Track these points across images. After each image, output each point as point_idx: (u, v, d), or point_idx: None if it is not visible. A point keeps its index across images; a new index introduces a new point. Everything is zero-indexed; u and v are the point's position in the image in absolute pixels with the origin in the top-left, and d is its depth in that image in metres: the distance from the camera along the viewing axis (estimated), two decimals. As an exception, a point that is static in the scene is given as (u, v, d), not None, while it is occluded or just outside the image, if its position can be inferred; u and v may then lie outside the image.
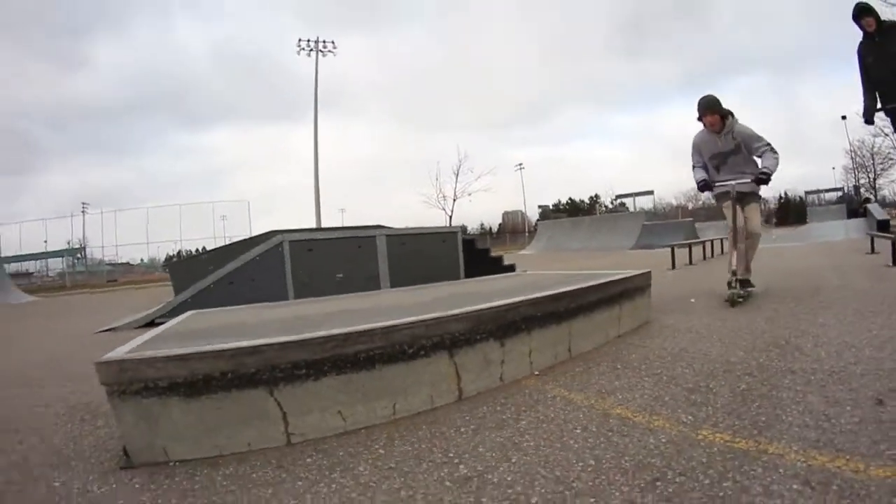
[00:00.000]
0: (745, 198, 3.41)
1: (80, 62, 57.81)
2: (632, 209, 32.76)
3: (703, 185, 3.44)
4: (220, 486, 1.17)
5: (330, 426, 1.43)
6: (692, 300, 3.48)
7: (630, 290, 2.61)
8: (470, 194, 32.16)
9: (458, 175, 32.07)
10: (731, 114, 3.35)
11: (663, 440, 1.23)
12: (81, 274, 28.96)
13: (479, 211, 38.16)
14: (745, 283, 3.41)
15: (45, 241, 29.58)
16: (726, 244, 4.77)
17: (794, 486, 0.96)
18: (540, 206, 48.31)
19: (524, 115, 67.35)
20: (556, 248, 19.08)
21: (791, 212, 35.59)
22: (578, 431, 1.35)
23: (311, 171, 25.62)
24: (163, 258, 31.72)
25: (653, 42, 77.89)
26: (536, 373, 1.90)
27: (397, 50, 62.46)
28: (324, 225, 20.35)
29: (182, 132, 67.15)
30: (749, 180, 3.30)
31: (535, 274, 4.16)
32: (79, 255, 30.36)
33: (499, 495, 1.04)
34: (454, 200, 32.12)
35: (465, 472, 1.16)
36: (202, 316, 2.48)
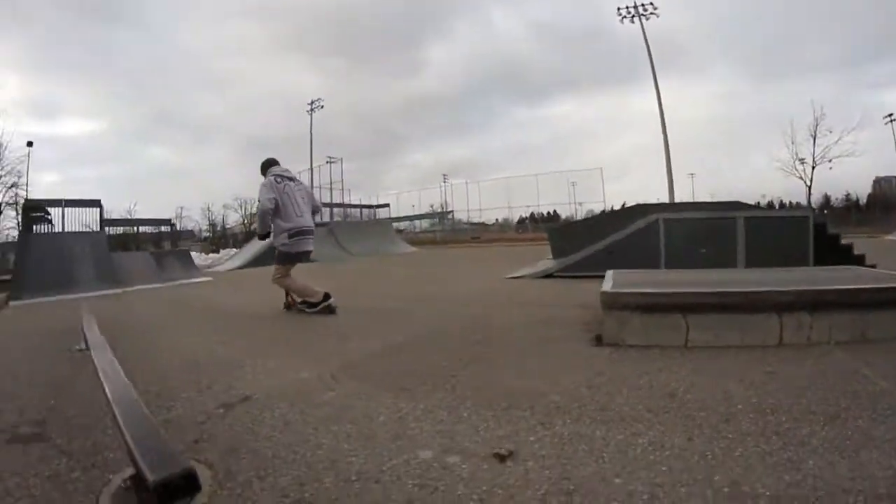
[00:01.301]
0: None
1: (418, 67, 71.69)
2: None
3: None
4: (650, 356, 2.42)
5: (707, 340, 2.64)
6: None
7: None
8: (830, 160, 26.46)
9: (815, 137, 26.65)
10: None
11: None
12: (446, 232, 36.48)
13: (843, 176, 28.55)
14: None
15: (413, 206, 38.37)
16: None
17: None
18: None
19: (886, 37, 43.05)
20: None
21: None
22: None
23: (654, 135, 25.55)
24: (515, 220, 38.12)
25: None
26: (834, 342, 2.50)
27: None
28: (676, 193, 20.43)
29: (522, 107, 75.03)
30: None
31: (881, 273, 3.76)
32: (448, 217, 38.55)
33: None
34: (813, 168, 27.07)
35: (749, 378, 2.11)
36: (622, 274, 3.69)
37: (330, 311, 4.22)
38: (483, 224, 38.30)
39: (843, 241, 6.09)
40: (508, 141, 66.52)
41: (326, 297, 4.27)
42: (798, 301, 2.61)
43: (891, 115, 29.10)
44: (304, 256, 4.65)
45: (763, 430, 1.45)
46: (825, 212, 30.33)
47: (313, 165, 31.45)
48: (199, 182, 62.96)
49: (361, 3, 66.34)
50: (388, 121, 69.17)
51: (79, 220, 12.15)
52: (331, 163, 27.54)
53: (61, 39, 55.28)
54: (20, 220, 12.90)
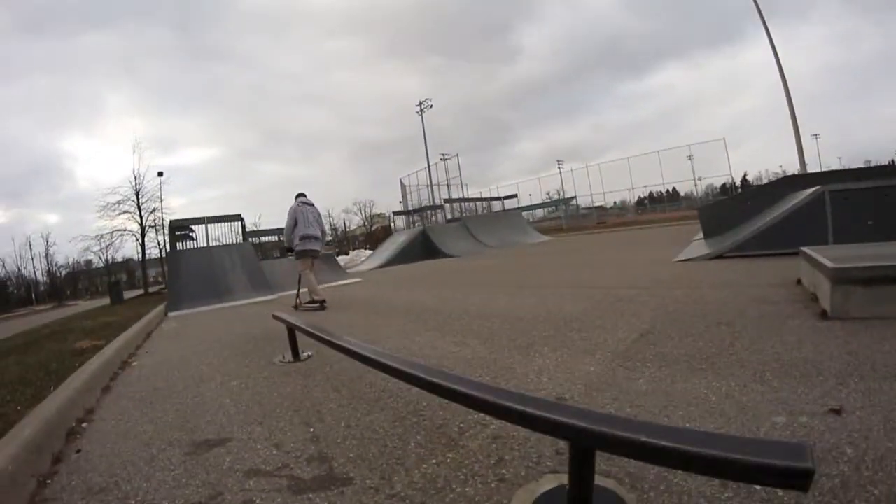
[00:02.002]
0: None
1: (513, 54, 70.13)
2: None
3: None
4: (869, 328, 2.65)
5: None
6: None
7: None
8: None
9: None
10: None
11: None
12: (570, 218, 36.64)
13: None
14: None
15: (530, 195, 38.95)
16: None
17: None
18: None
19: None
20: None
21: None
22: None
23: (767, 95, 23.13)
24: (634, 201, 36.56)
25: None
26: None
27: None
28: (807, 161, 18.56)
29: (625, 82, 71.23)
30: None
31: None
32: (572, 203, 38.65)
33: None
34: None
35: None
36: (826, 250, 3.80)
37: (322, 307, 6.50)
38: (602, 207, 37.85)
39: None
40: (615, 119, 63.80)
41: (323, 302, 6.62)
42: None
43: None
44: (311, 254, 6.85)
45: None
46: None
47: (430, 163, 32.88)
48: (315, 190, 68.90)
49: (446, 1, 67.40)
50: (492, 111, 69.76)
51: (220, 234, 13.33)
52: (445, 159, 28.85)
53: (170, 83, 64.12)
54: (167, 238, 14.27)
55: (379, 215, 53.47)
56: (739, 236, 6.67)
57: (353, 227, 51.65)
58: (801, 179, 7.63)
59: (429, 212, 26.24)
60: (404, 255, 18.68)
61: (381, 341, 3.87)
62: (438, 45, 68.93)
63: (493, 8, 68.06)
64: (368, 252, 25.12)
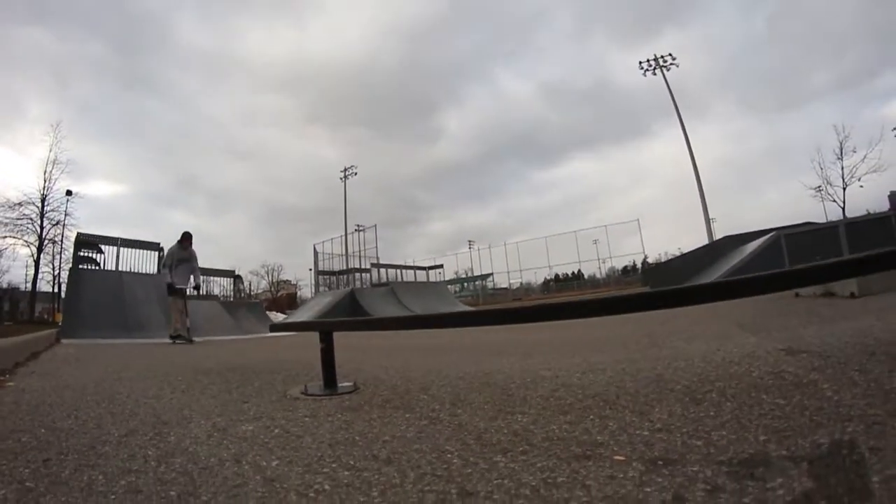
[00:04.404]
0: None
1: (436, 135, 74.95)
2: None
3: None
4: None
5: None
6: None
7: None
8: (859, 179, 26.86)
9: (841, 157, 27.32)
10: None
11: None
12: (486, 295, 37.18)
13: (865, 195, 28.94)
14: None
15: (439, 273, 37.61)
16: None
17: None
18: (943, 181, 31.35)
19: (878, 51, 44.25)
20: None
21: None
22: None
23: (668, 184, 26.27)
24: (540, 282, 38.77)
25: None
26: None
27: (717, 33, 53.36)
28: (697, 239, 20.72)
29: (538, 169, 77.06)
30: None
31: None
32: (489, 280, 39.40)
33: None
34: (844, 189, 27.63)
35: None
36: None
37: (182, 340, 7.45)
38: (507, 288, 38.52)
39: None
40: (524, 205, 68.33)
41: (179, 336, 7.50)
42: None
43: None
44: (180, 292, 7.82)
45: None
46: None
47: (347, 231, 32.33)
48: (222, 248, 65.78)
49: (379, 72, 70.69)
50: (408, 189, 72.09)
51: (135, 262, 11.80)
52: (360, 230, 28.58)
53: (96, 105, 60.23)
54: (72, 256, 12.34)
55: (285, 281, 52.72)
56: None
57: (259, 290, 50.59)
58: (737, 237, 8.79)
59: (357, 274, 26.15)
60: (330, 315, 18.29)
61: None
62: (365, 117, 71.45)
63: (426, 88, 72.17)
64: (279, 315, 24.07)
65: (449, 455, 1.30)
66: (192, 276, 8.15)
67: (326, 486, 1.15)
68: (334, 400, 2.17)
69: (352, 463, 1.30)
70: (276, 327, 3.90)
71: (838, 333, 2.52)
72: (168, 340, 7.62)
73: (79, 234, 12.20)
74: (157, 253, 12.12)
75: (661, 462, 1.13)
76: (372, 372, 2.90)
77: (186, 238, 8.01)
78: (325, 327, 2.55)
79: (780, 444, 1.15)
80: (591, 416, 1.57)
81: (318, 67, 72.35)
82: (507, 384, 2.21)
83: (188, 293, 8.31)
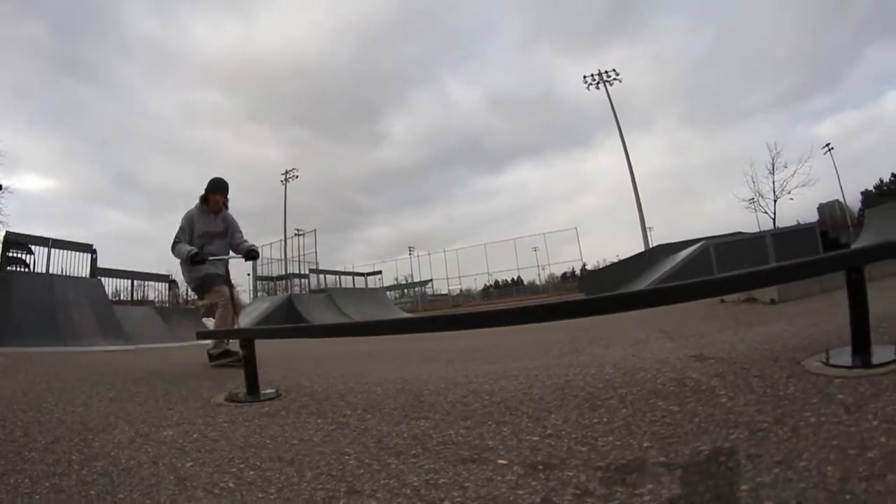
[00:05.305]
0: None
1: (379, 139, 73.99)
2: None
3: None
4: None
5: None
6: None
7: None
8: (790, 192, 28.68)
9: (773, 172, 28.97)
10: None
11: None
12: (425, 301, 36.88)
13: (796, 207, 31.53)
14: None
15: (378, 278, 37.10)
16: None
17: None
18: (863, 193, 34.61)
19: (811, 76, 48.64)
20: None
21: None
22: None
23: (607, 194, 27.36)
24: (480, 288, 38.87)
25: None
26: None
27: (663, 51, 56.34)
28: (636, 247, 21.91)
29: (483, 176, 77.63)
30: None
31: None
32: (428, 287, 39.42)
33: None
34: (775, 201, 29.37)
35: None
36: None
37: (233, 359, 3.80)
38: (447, 295, 38.54)
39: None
40: (467, 211, 68.81)
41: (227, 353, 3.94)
42: None
43: (828, 145, 32.00)
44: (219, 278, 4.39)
45: None
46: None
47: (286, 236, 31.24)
48: (160, 251, 62.24)
49: (326, 73, 69.23)
50: (349, 193, 70.67)
51: (66, 266, 11.10)
52: (300, 234, 27.59)
53: (29, 91, 55.34)
54: None
55: (222, 285, 50.65)
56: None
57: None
58: (669, 246, 9.12)
59: (296, 280, 25.51)
60: (267, 322, 17.79)
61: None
62: (309, 118, 69.28)
63: (372, 91, 70.59)
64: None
65: (347, 457, 1.39)
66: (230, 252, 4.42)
67: (231, 484, 1.26)
68: (255, 406, 2.24)
69: (258, 464, 1.40)
70: (202, 335, 3.84)
71: (749, 338, 2.62)
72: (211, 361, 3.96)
73: (7, 233, 11.42)
74: (88, 255, 11.51)
75: (541, 466, 1.17)
76: (297, 379, 2.95)
77: (215, 191, 4.21)
78: (246, 334, 2.67)
79: (661, 450, 1.17)
80: (490, 422, 1.61)
81: (265, 65, 69.47)
82: (422, 390, 2.26)
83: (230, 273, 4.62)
